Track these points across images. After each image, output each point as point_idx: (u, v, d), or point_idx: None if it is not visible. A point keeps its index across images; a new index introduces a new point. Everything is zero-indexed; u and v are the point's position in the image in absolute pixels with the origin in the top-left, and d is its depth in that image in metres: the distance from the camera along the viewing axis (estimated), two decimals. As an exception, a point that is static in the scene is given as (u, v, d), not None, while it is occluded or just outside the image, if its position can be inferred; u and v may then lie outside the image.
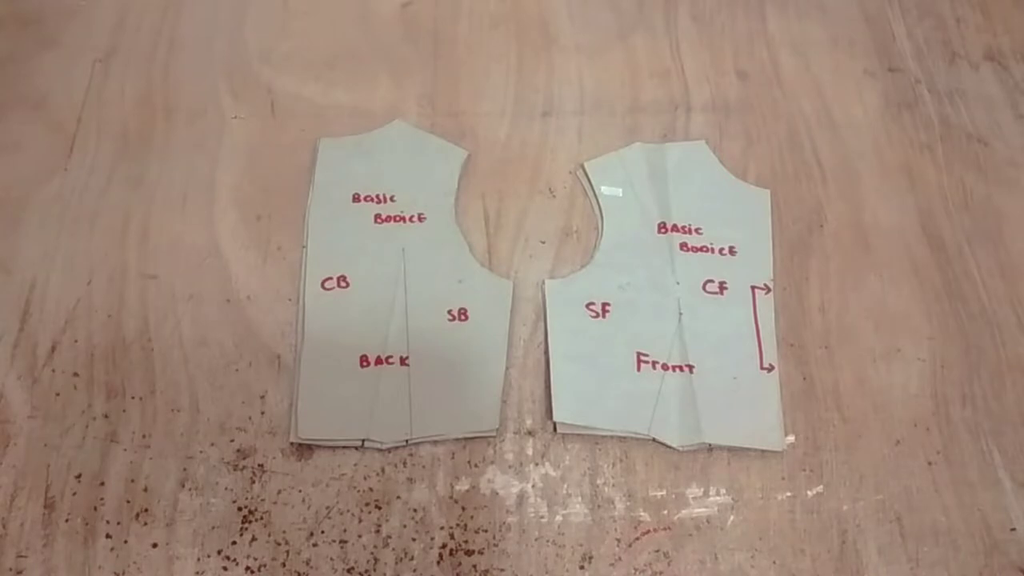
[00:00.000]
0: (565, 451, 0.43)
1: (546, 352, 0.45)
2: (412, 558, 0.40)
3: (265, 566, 0.40)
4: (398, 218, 0.49)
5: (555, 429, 0.44)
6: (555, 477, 0.43)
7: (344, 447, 0.42)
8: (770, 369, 0.45)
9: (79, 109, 0.52)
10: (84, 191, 0.49)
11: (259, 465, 0.42)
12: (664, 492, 0.43)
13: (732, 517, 0.42)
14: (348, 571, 0.40)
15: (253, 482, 0.41)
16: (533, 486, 0.43)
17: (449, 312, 0.46)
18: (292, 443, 0.42)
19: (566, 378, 0.44)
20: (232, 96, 0.53)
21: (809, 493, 0.43)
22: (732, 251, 0.49)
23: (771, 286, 0.48)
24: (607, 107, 0.55)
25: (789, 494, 0.43)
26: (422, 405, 0.43)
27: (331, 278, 0.46)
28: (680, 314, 0.47)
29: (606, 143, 0.53)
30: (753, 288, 0.48)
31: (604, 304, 0.46)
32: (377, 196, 0.49)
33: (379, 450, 0.42)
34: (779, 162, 0.53)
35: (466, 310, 0.46)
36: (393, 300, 0.46)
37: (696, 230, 0.49)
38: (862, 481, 0.43)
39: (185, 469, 0.42)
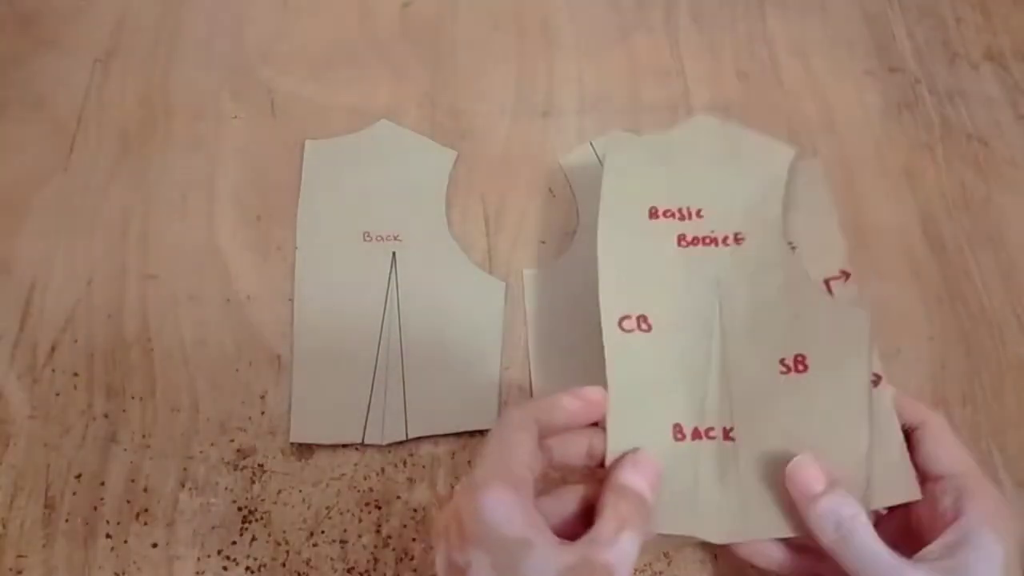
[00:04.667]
0: (565, 451, 0.43)
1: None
2: (412, 558, 0.40)
3: (265, 566, 0.40)
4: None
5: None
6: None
7: (344, 446, 0.42)
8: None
9: (79, 109, 0.52)
10: (84, 191, 0.49)
11: (259, 465, 0.42)
12: (664, 492, 0.43)
13: (732, 517, 0.42)
14: (348, 571, 0.40)
15: (253, 482, 0.41)
16: (533, 486, 0.42)
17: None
18: (292, 443, 0.42)
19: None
20: (232, 96, 0.53)
21: (809, 493, 0.43)
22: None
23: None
24: (607, 107, 0.55)
25: (789, 494, 0.43)
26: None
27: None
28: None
29: (606, 143, 0.53)
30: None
31: None
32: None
33: (379, 449, 0.42)
34: (779, 162, 0.53)
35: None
36: None
37: None
38: (862, 481, 0.43)
39: (185, 469, 0.42)
